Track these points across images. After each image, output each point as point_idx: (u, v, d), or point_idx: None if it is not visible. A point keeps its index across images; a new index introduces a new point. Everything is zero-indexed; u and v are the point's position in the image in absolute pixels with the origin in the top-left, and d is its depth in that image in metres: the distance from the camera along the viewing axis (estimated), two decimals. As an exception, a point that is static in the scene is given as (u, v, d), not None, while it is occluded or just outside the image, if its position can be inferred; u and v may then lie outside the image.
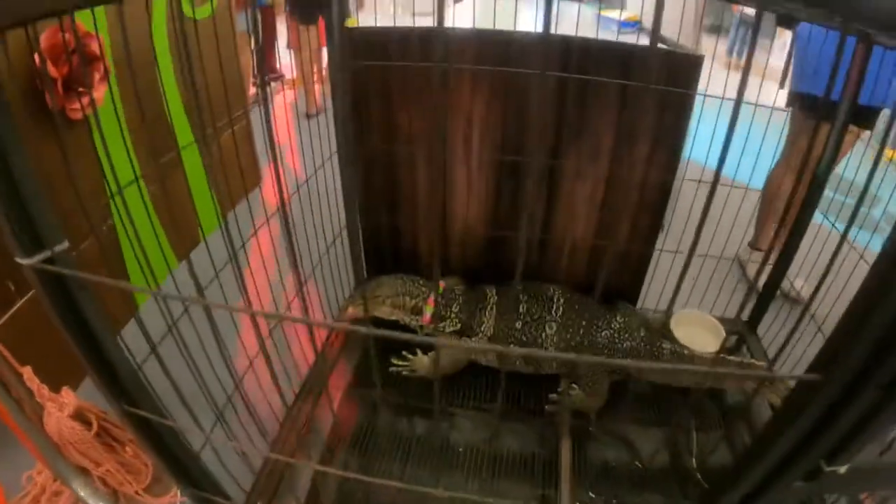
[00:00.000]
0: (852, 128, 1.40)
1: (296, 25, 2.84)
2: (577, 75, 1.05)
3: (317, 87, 3.05)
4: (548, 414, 1.15)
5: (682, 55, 1.07)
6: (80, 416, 0.95)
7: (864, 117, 1.50)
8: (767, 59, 3.76)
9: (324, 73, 3.08)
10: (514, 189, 1.23)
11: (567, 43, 1.05)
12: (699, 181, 1.15)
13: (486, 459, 1.10)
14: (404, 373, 1.22)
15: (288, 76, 3.23)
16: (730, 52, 4.63)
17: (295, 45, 2.93)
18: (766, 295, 1.36)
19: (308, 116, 2.73)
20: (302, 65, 2.79)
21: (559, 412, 1.14)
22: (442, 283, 1.23)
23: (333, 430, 1.13)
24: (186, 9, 1.53)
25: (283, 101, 2.84)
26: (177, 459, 0.69)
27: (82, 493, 1.00)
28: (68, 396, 0.95)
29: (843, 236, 0.51)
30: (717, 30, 4.87)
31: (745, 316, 1.42)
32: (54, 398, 0.93)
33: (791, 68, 1.61)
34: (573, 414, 1.14)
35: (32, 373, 0.91)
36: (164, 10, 1.53)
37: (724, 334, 1.28)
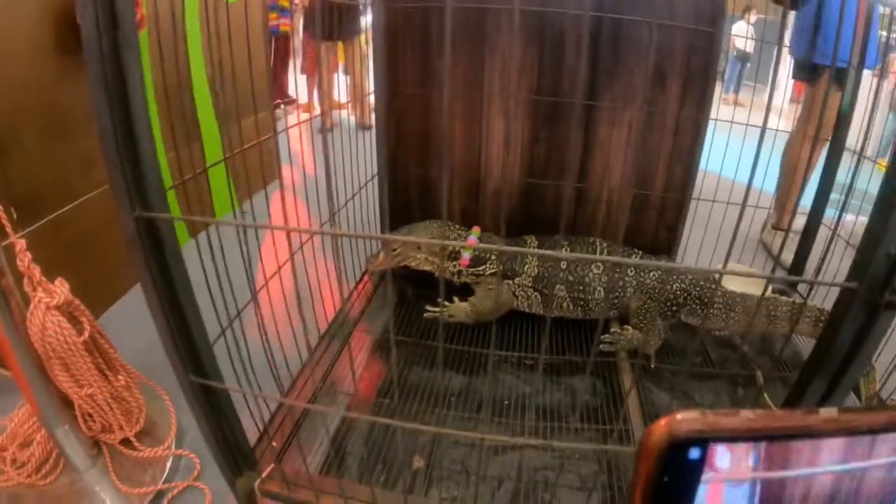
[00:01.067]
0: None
1: (313, 51, 3.05)
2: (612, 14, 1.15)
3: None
4: (599, 364, 1.13)
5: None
6: (69, 315, 0.88)
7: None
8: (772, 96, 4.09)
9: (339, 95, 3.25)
10: (549, 137, 1.28)
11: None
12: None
13: (537, 412, 1.04)
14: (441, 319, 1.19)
15: (301, 100, 3.43)
16: (727, 90, 5.08)
17: (308, 70, 3.13)
18: (803, 252, 1.40)
19: (322, 131, 2.87)
20: (322, 82, 2.95)
21: (618, 356, 1.12)
22: (477, 227, 1.25)
23: (362, 378, 1.09)
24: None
25: (297, 122, 3.00)
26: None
27: (58, 435, 0.93)
28: (62, 287, 0.87)
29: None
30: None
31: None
32: (46, 285, 0.85)
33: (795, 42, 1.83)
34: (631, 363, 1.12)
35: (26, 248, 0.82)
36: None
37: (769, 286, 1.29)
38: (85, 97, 1.41)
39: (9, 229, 0.84)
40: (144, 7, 1.40)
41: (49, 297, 0.86)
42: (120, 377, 0.97)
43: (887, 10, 1.64)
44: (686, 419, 0.22)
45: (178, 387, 1.11)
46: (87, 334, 0.90)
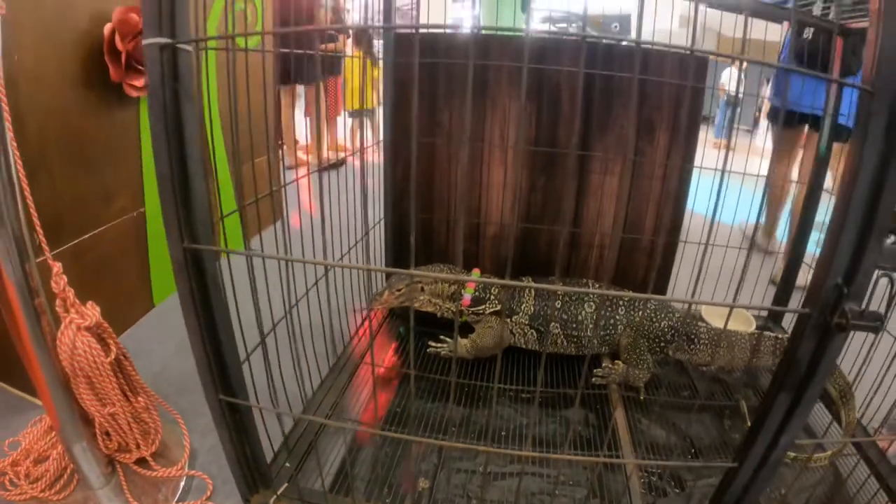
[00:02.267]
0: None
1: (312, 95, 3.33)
2: (605, 71, 1.31)
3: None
4: (592, 397, 1.23)
5: (692, 56, 1.34)
6: (98, 336, 0.96)
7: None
8: (751, 140, 4.36)
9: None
10: (546, 184, 1.43)
11: (594, 45, 1.32)
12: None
13: (533, 442, 1.13)
14: (443, 353, 1.30)
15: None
16: (718, 134, 5.36)
17: (311, 112, 3.43)
18: (785, 290, 1.53)
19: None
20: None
21: (609, 389, 1.23)
22: (478, 269, 1.37)
23: (368, 407, 1.18)
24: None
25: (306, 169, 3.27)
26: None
27: (75, 451, 1.00)
28: (93, 310, 0.95)
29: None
30: (705, 119, 5.67)
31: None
32: (79, 307, 0.93)
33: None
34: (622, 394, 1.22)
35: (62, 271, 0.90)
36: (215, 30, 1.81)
37: (753, 322, 1.41)
38: (106, 130, 1.57)
39: (45, 250, 0.92)
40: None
41: (81, 318, 0.94)
42: (140, 399, 1.06)
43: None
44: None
45: (189, 411, 1.20)
46: (113, 355, 0.99)
